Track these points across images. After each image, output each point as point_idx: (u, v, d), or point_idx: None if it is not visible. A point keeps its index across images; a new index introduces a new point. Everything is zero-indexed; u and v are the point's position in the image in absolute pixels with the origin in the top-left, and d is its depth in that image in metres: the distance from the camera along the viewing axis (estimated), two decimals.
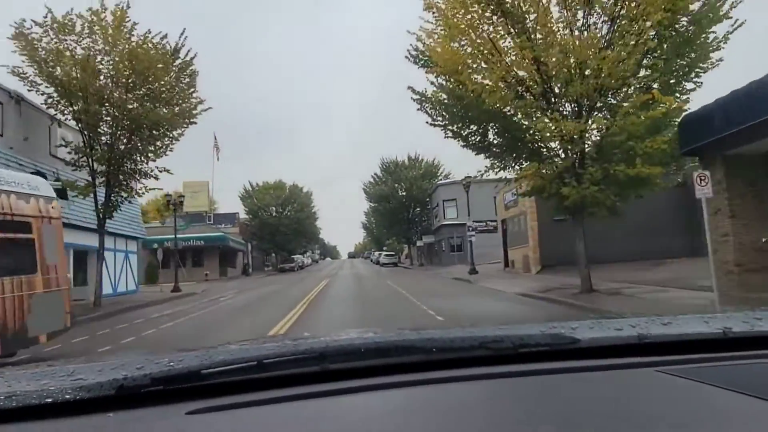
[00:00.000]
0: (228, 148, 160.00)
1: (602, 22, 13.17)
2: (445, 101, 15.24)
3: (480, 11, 13.14)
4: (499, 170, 15.45)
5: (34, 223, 7.96)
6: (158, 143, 18.09)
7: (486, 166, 15.33)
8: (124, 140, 17.52)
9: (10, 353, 7.55)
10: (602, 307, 11.06)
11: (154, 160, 18.27)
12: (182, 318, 14.60)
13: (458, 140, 15.53)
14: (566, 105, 13.86)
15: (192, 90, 18.62)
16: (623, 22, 12.42)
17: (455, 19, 13.22)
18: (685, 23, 12.90)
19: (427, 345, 1.10)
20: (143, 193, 19.62)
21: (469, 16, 13.15)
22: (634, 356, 1.08)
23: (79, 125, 17.21)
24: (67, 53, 16.26)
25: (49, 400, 0.89)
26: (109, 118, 17.20)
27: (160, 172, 18.36)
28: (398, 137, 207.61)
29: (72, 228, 19.98)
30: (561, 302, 12.91)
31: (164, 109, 17.66)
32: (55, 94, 16.59)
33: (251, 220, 60.06)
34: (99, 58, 16.69)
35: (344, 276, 37.01)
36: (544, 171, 13.68)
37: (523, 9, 13.04)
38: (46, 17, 15.91)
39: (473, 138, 15.41)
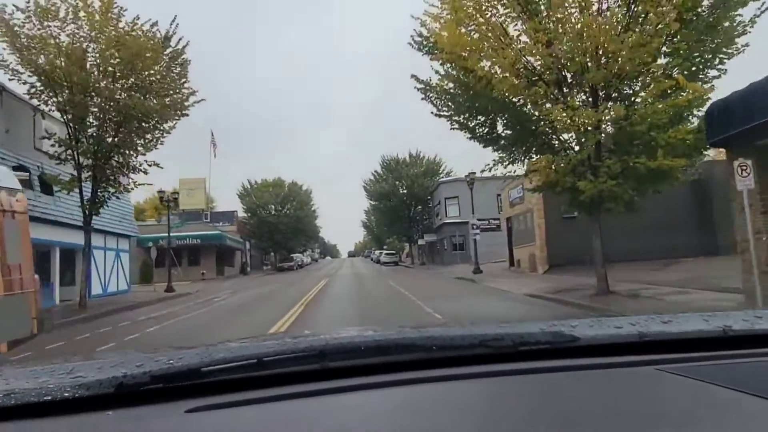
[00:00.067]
0: (227, 147, 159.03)
1: (618, 6, 12.40)
2: (451, 90, 14.35)
3: None
4: (508, 164, 14.56)
5: None
6: (148, 136, 17.22)
7: (494, 160, 14.47)
8: (112, 132, 16.62)
9: None
10: (625, 311, 10.15)
11: (144, 154, 17.42)
12: (171, 320, 13.74)
13: (465, 132, 14.65)
14: (580, 94, 13.08)
15: (184, 81, 17.73)
16: (642, 6, 11.62)
17: (462, 1, 12.40)
18: (708, 5, 12.10)
19: (428, 343, 1.09)
20: (132, 189, 18.74)
21: None
22: (635, 354, 1.07)
23: (64, 117, 16.36)
24: (51, 40, 15.40)
25: (48, 398, 0.88)
26: (95, 109, 16.33)
27: (150, 166, 17.40)
28: (399, 137, 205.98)
29: (58, 225, 19.13)
30: (576, 305, 11.98)
31: (154, 100, 16.75)
32: (38, 84, 15.77)
33: (250, 218, 59.05)
34: (84, 45, 15.83)
35: (344, 275, 36.20)
36: (556, 164, 12.83)
37: None
38: (28, 2, 15.12)
39: (481, 130, 14.54)
